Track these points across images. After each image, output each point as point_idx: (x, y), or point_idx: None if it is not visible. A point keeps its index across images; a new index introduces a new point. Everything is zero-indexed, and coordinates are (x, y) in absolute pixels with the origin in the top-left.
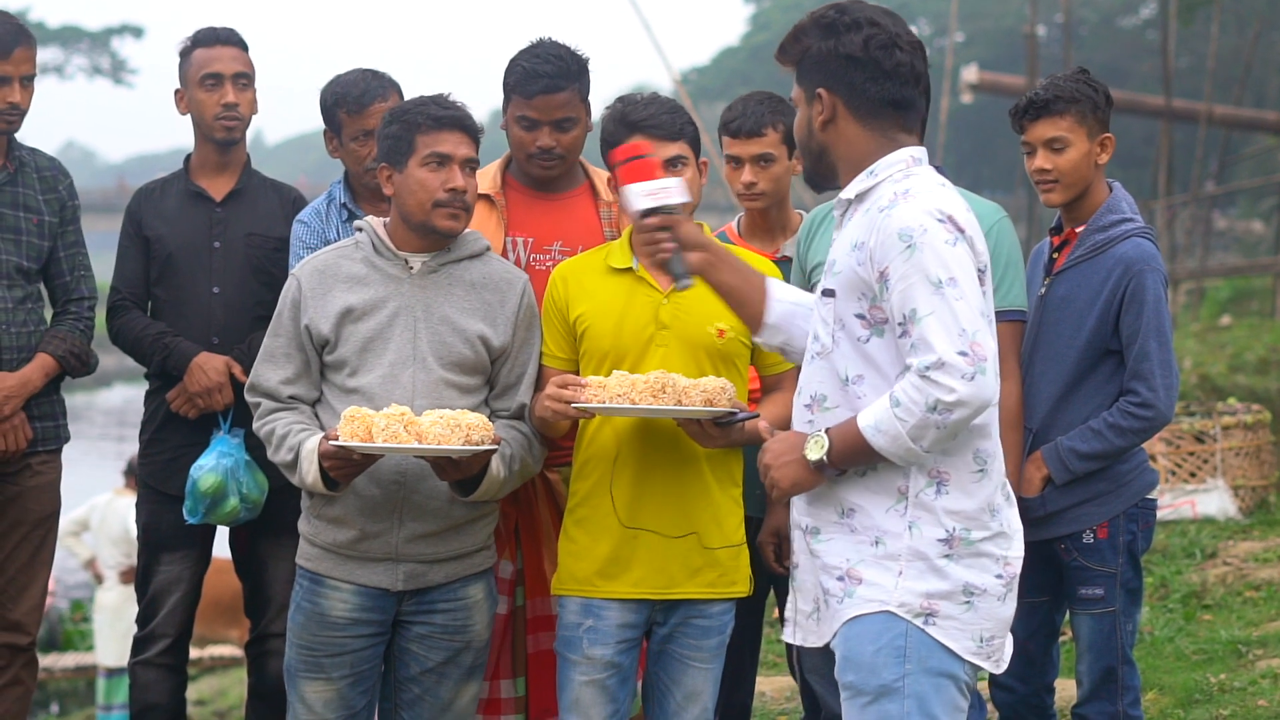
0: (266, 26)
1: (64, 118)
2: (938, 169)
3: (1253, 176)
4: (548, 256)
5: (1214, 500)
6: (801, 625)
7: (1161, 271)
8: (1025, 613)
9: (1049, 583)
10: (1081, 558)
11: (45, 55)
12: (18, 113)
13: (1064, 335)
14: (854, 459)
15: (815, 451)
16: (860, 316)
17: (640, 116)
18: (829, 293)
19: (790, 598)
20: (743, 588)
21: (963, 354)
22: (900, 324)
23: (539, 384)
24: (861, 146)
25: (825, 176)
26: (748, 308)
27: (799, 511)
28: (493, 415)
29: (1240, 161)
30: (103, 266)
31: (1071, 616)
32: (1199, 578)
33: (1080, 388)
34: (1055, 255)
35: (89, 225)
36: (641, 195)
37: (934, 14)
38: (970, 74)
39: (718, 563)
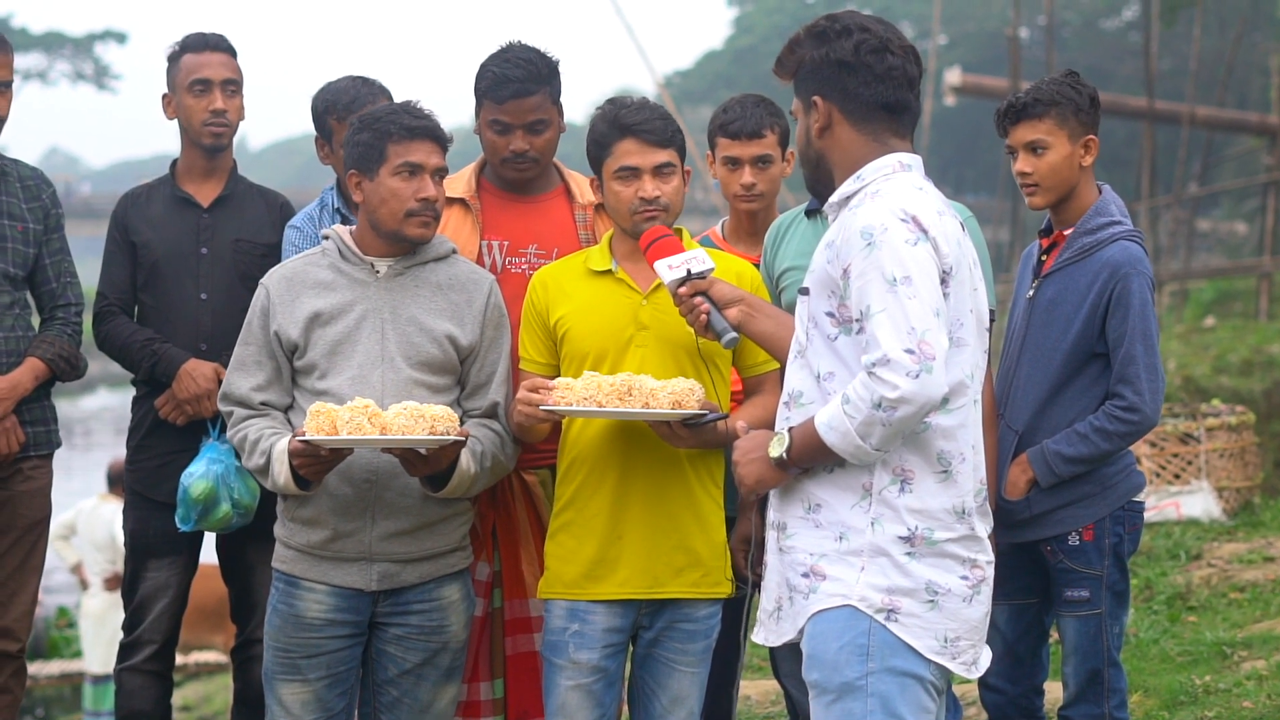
0: (251, 32)
1: (47, 124)
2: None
3: (1235, 178)
4: (523, 259)
5: (1198, 502)
6: (764, 624)
7: (1148, 275)
8: (1014, 614)
9: (1038, 585)
10: (1067, 560)
11: (29, 61)
12: None
13: (1051, 338)
14: (812, 456)
15: (776, 449)
16: (830, 314)
17: (633, 120)
18: (805, 291)
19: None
20: (726, 588)
21: (909, 351)
22: (858, 320)
23: (518, 389)
24: (855, 151)
25: (825, 184)
26: (783, 349)
27: (772, 509)
28: (465, 415)
29: (1223, 163)
30: (81, 271)
31: (1058, 619)
32: (1184, 579)
33: (1066, 390)
34: (1044, 257)
35: (72, 230)
36: (670, 270)
37: (917, 16)
38: (953, 77)
39: (701, 562)
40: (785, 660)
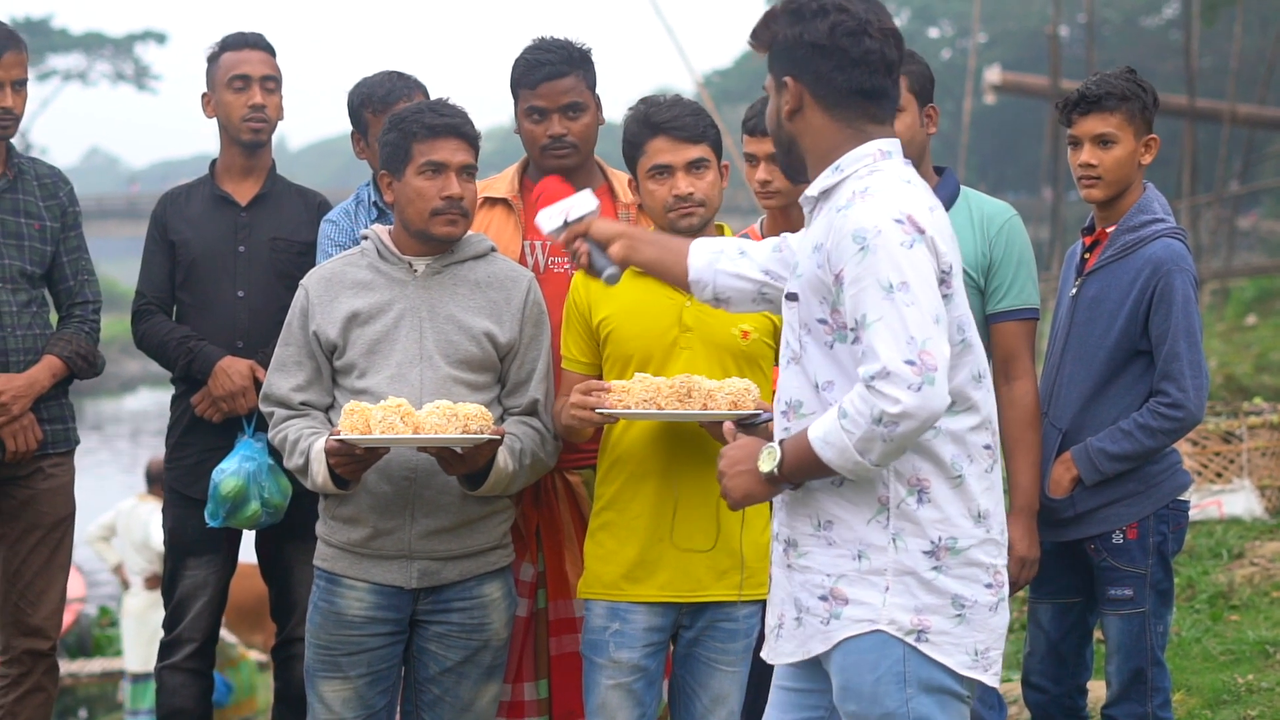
0: (291, 33)
1: (87, 124)
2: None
3: (1277, 176)
4: (565, 259)
5: (1240, 500)
6: (765, 640)
7: (1191, 272)
8: (1058, 613)
9: (1082, 584)
10: (1111, 558)
11: (69, 62)
12: (11, 117)
13: (1094, 335)
14: (805, 472)
15: (767, 463)
16: (823, 321)
17: (663, 118)
18: (792, 296)
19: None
20: (768, 589)
21: (910, 363)
22: (853, 329)
23: (562, 389)
24: (829, 138)
25: (796, 169)
26: (672, 272)
27: (778, 523)
28: (505, 412)
29: (1264, 161)
30: (122, 271)
31: (1101, 617)
32: (1226, 578)
33: (1110, 388)
34: (1087, 255)
35: (112, 230)
36: (548, 219)
37: (956, 15)
38: (993, 75)
39: (744, 565)
40: None
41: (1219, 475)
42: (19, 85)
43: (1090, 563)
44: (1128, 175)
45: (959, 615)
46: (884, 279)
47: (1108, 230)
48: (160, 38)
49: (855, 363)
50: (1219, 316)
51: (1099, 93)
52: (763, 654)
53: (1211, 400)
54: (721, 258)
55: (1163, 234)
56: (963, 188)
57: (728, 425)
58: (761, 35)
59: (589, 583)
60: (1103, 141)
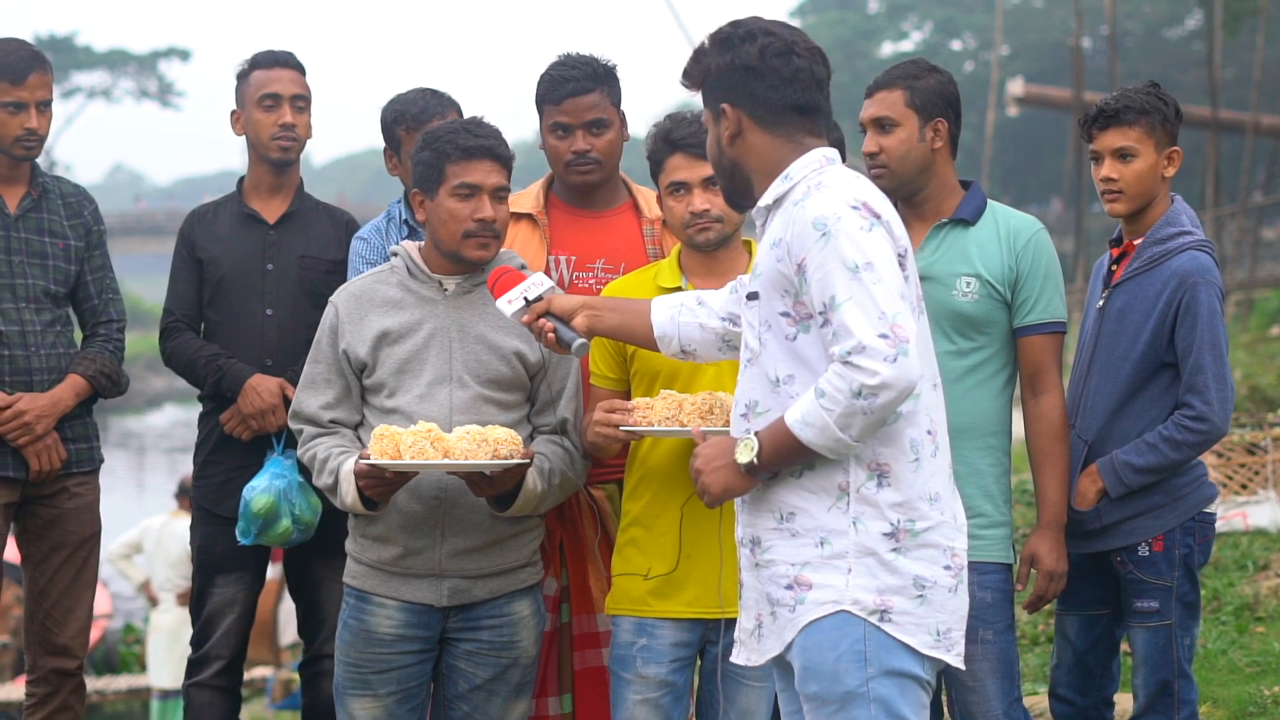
0: (314, 50)
1: (111, 141)
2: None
3: None
4: (590, 274)
5: (1265, 512)
6: (745, 644)
7: (1216, 284)
8: (1085, 625)
9: (1108, 596)
10: (1137, 570)
11: (93, 79)
12: (36, 138)
13: (1120, 348)
14: (785, 458)
15: (745, 454)
16: (785, 314)
17: (681, 135)
18: (753, 295)
19: (739, 618)
20: None
21: (883, 336)
22: (821, 313)
23: (590, 405)
24: (772, 155)
25: (741, 193)
26: (638, 334)
27: (740, 525)
28: (535, 430)
29: None
30: (145, 288)
31: (1127, 630)
32: (1251, 590)
33: (1136, 400)
34: (1114, 267)
35: (136, 248)
36: (508, 304)
37: (979, 27)
38: (1015, 87)
39: None
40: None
41: (1244, 487)
42: (44, 106)
43: (1116, 575)
44: (1150, 188)
45: (920, 596)
46: (849, 260)
47: (1135, 243)
48: (184, 54)
49: (818, 352)
50: (1243, 328)
51: (1117, 107)
52: (736, 658)
53: (1236, 412)
54: (682, 310)
55: (1189, 246)
56: (989, 201)
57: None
58: (693, 72)
59: (616, 599)
60: (1122, 155)
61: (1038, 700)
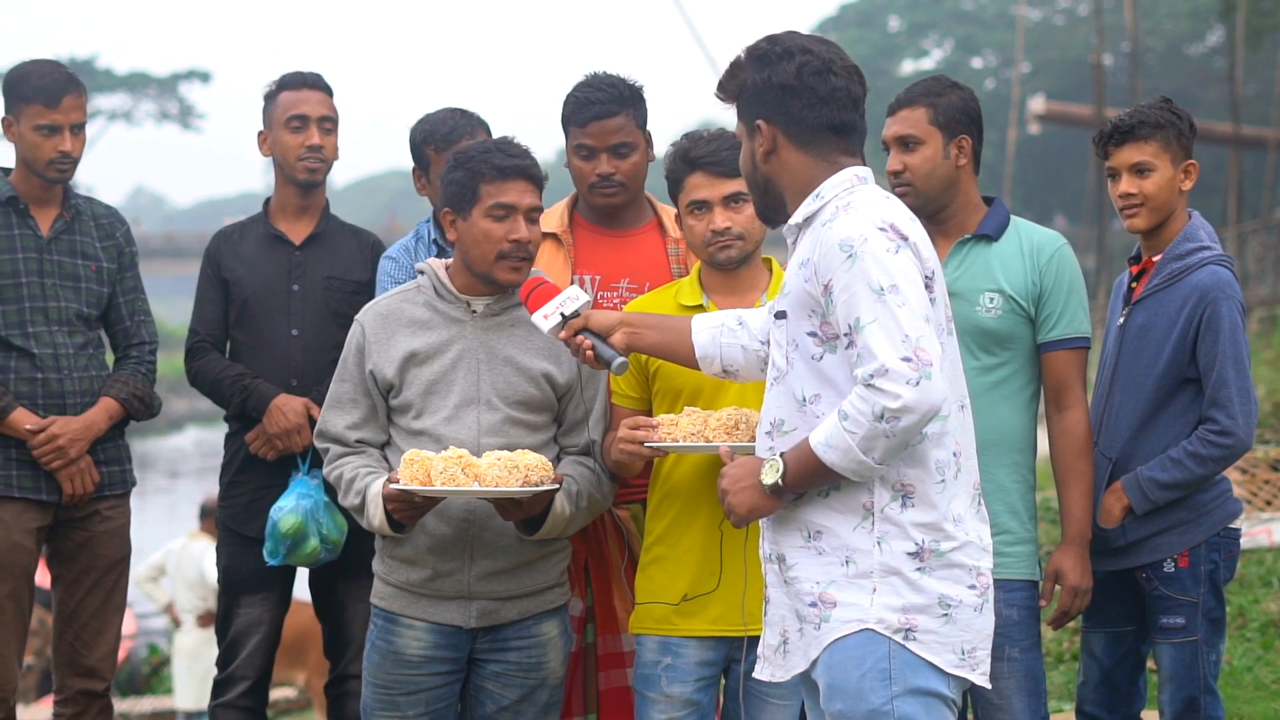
0: (333, 71)
1: (132, 163)
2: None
3: None
4: (615, 294)
5: None
6: (770, 660)
7: (1238, 299)
8: (1111, 642)
9: (1134, 612)
10: (1163, 586)
11: (114, 101)
12: (69, 161)
13: (1142, 364)
14: (809, 479)
15: (770, 475)
16: (812, 334)
17: (700, 153)
18: (781, 315)
19: (763, 634)
20: None
21: (906, 360)
22: (846, 334)
23: (613, 424)
24: (805, 173)
25: (774, 209)
26: (679, 353)
27: (767, 542)
28: (562, 451)
29: None
30: (168, 309)
31: (1153, 646)
32: (1277, 606)
33: (1159, 417)
34: (1134, 284)
35: (158, 269)
36: (544, 320)
37: (1000, 45)
38: (1037, 104)
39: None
40: None
41: (1269, 503)
42: (78, 129)
43: (1142, 591)
44: (1169, 202)
45: (945, 615)
46: (874, 283)
47: (1154, 259)
48: (204, 76)
49: (844, 372)
50: (1267, 343)
51: (1133, 122)
52: (760, 674)
53: (1260, 428)
54: (724, 331)
55: (1209, 261)
56: (1012, 217)
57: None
58: (729, 86)
59: (640, 618)
60: (1140, 170)
61: (1064, 718)
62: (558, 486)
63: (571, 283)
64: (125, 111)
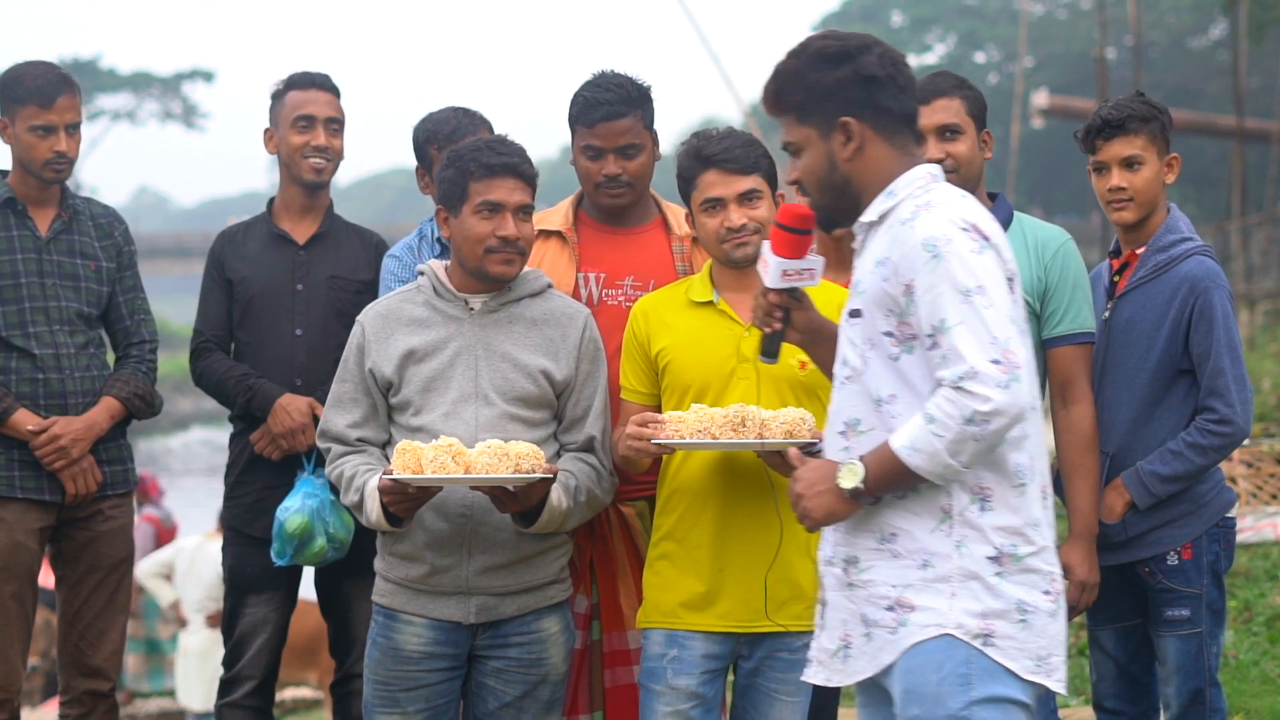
0: (337, 70)
1: (137, 163)
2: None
3: None
4: (619, 292)
5: None
6: (825, 664)
7: (1226, 288)
8: (1122, 636)
9: (1139, 605)
10: (1166, 580)
11: (117, 101)
12: (65, 161)
13: (1133, 358)
14: (891, 484)
15: (850, 480)
16: (889, 334)
17: (713, 151)
18: (856, 313)
19: (815, 637)
20: None
21: (996, 362)
22: (929, 335)
23: (621, 419)
24: (889, 167)
25: (846, 212)
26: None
27: (830, 545)
28: (562, 448)
29: None
30: (173, 309)
31: (1157, 639)
32: None
33: (1156, 410)
34: (1116, 278)
35: (164, 269)
36: (779, 273)
37: (1003, 39)
38: (1040, 99)
39: (805, 595)
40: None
41: (1274, 497)
42: (73, 129)
43: (1144, 585)
44: (1156, 195)
45: (1023, 620)
46: (960, 284)
47: (1137, 252)
48: (208, 76)
49: (922, 373)
50: (1272, 336)
51: (1120, 116)
52: (813, 678)
53: (1265, 421)
54: None
55: (1193, 252)
56: (1016, 213)
57: (793, 450)
58: (792, 95)
59: (647, 612)
60: (1130, 164)
61: (1071, 712)
62: (550, 476)
63: (575, 281)
64: (129, 111)
